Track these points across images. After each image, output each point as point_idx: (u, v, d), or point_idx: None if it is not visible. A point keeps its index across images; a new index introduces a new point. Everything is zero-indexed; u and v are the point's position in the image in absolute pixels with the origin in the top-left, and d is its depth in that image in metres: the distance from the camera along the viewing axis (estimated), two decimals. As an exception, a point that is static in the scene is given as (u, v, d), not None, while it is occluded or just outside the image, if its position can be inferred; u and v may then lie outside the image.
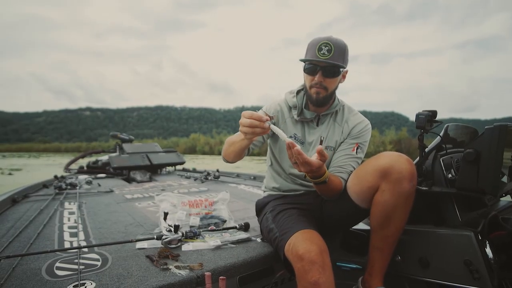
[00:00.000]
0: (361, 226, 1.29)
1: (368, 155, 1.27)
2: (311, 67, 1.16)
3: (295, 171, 1.31)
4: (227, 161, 1.25)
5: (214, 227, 1.39)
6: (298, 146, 0.92)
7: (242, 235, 1.33)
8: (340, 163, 1.21)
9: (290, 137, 1.30)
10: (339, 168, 1.20)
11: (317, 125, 1.28)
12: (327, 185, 1.07)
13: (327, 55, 1.11)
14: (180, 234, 1.24)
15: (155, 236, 1.22)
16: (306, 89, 1.22)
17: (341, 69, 1.16)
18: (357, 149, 1.23)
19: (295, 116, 1.28)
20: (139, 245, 1.23)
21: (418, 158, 1.18)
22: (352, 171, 1.19)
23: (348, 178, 1.18)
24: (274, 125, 1.20)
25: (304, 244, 0.94)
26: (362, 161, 1.20)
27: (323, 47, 1.12)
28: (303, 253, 0.92)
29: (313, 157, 0.95)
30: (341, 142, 1.26)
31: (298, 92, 1.30)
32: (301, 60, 1.17)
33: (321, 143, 1.26)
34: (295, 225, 1.06)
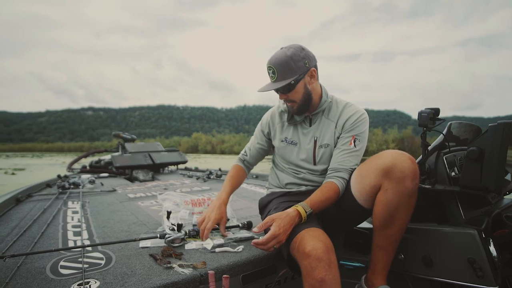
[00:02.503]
0: (364, 224, 1.29)
1: (371, 153, 1.27)
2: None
3: (300, 169, 1.31)
4: None
5: (217, 226, 1.39)
6: (256, 240, 1.03)
7: (245, 233, 1.33)
8: (339, 160, 1.21)
9: (282, 141, 1.34)
10: (338, 166, 1.20)
11: (310, 125, 1.30)
12: (319, 207, 1.11)
13: (274, 77, 1.19)
14: (183, 232, 1.24)
15: (158, 235, 1.22)
16: None
17: (291, 82, 1.17)
18: (354, 141, 1.22)
19: (286, 121, 1.34)
20: (142, 244, 1.23)
21: (421, 156, 1.18)
22: (352, 167, 1.19)
23: (349, 176, 1.18)
24: (267, 135, 1.42)
25: (311, 242, 0.94)
26: (363, 160, 1.20)
27: (269, 71, 1.21)
28: (310, 250, 0.92)
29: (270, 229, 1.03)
30: (338, 138, 1.26)
31: None
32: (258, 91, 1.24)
33: (315, 143, 1.28)
34: (301, 223, 1.06)
